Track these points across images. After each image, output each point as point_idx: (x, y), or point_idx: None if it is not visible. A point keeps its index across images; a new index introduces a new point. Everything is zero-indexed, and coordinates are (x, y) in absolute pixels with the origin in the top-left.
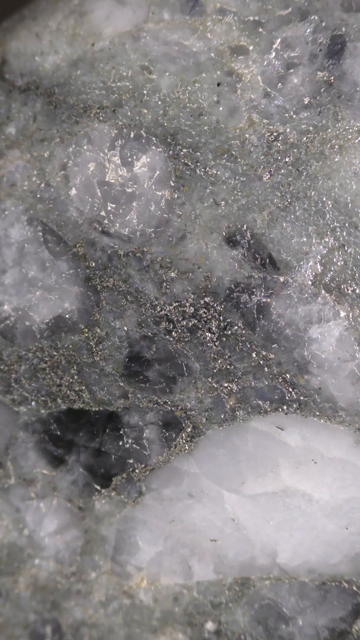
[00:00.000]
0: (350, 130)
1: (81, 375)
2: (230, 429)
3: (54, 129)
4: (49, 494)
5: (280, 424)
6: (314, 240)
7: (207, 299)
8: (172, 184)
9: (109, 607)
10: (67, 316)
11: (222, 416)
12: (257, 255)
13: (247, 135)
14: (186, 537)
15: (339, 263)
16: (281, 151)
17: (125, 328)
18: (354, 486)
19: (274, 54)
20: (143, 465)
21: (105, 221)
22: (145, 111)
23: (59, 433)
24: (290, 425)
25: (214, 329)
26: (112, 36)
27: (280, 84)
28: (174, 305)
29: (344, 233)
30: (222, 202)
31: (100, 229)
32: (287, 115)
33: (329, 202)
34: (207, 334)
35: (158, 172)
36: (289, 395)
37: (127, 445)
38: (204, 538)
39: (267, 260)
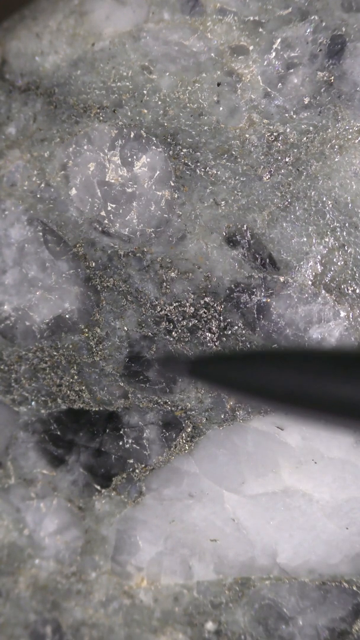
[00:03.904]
0: (350, 130)
1: (81, 375)
2: (231, 429)
3: (54, 129)
4: (49, 494)
5: (280, 424)
6: (314, 240)
7: (207, 299)
8: (172, 184)
9: (109, 607)
10: (67, 316)
11: (222, 416)
12: (257, 255)
13: (247, 135)
14: (186, 537)
15: (339, 263)
16: (281, 151)
17: (126, 328)
18: (354, 486)
19: (274, 54)
20: (143, 465)
21: (106, 221)
22: (145, 111)
23: (59, 433)
24: (290, 425)
25: (214, 329)
26: (112, 36)
27: (280, 84)
28: (174, 305)
29: (344, 233)
30: (222, 202)
31: (100, 229)
32: (287, 115)
33: (329, 202)
34: (207, 334)
35: (158, 172)
36: None
37: (127, 445)
38: (204, 538)
39: (267, 260)
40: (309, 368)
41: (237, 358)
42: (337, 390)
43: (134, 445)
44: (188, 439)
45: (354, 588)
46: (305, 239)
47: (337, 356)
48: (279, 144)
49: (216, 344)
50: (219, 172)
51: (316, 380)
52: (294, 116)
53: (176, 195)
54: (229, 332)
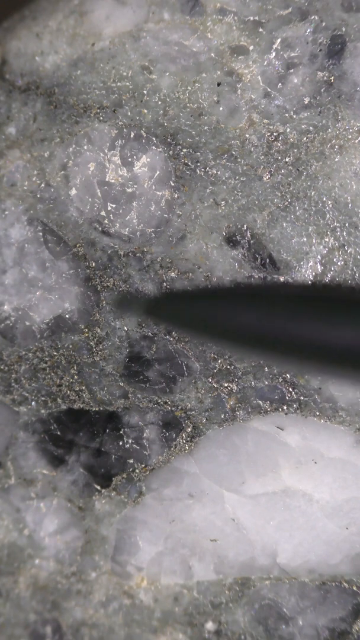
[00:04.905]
0: (351, 130)
1: (81, 375)
2: (231, 429)
3: (54, 129)
4: (49, 494)
5: (280, 424)
6: (314, 240)
7: None
8: (172, 184)
9: (109, 607)
10: (67, 316)
11: (222, 416)
12: (257, 255)
13: (247, 135)
14: (186, 537)
15: (339, 263)
16: (281, 151)
17: (126, 328)
18: (354, 486)
19: (274, 54)
20: (143, 465)
21: (106, 221)
22: (145, 111)
23: (59, 433)
24: (290, 425)
25: None
26: (112, 36)
27: (280, 84)
28: None
29: (344, 233)
30: (222, 202)
31: (100, 229)
32: (287, 115)
33: (329, 202)
34: None
35: (158, 172)
36: (289, 395)
37: (127, 445)
38: (204, 538)
39: (267, 260)
40: (275, 307)
41: (196, 296)
42: (301, 330)
43: (134, 445)
44: (188, 439)
45: (354, 588)
46: (305, 239)
47: (303, 294)
48: (279, 144)
49: None
50: (219, 172)
51: (281, 319)
52: (294, 116)
53: (176, 195)
54: None
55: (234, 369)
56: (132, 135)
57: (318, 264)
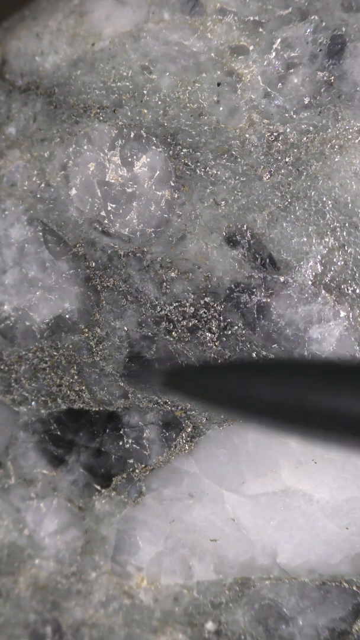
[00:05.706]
0: (351, 130)
1: (81, 375)
2: (231, 429)
3: (54, 129)
4: (49, 494)
5: None
6: (314, 240)
7: (207, 299)
8: (172, 184)
9: (109, 607)
10: (67, 316)
11: (222, 416)
12: (257, 255)
13: (247, 135)
14: (186, 537)
15: (339, 263)
16: (281, 151)
17: (126, 328)
18: (354, 486)
19: (274, 54)
20: (143, 465)
21: (106, 221)
22: (145, 111)
23: (59, 433)
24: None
25: (214, 329)
26: (112, 36)
27: (280, 84)
28: (174, 305)
29: (344, 233)
30: (222, 202)
31: (100, 229)
32: (287, 115)
33: (329, 202)
34: (207, 334)
35: (158, 172)
36: None
37: (127, 445)
38: (204, 538)
39: (267, 260)
40: (288, 379)
41: (212, 370)
42: (319, 402)
43: (134, 445)
44: (188, 439)
45: (354, 588)
46: (305, 239)
47: (320, 368)
48: (279, 144)
49: (216, 343)
50: (219, 172)
51: (296, 391)
52: (294, 116)
53: (176, 195)
54: (229, 332)
55: None
56: (132, 135)
57: (318, 264)
